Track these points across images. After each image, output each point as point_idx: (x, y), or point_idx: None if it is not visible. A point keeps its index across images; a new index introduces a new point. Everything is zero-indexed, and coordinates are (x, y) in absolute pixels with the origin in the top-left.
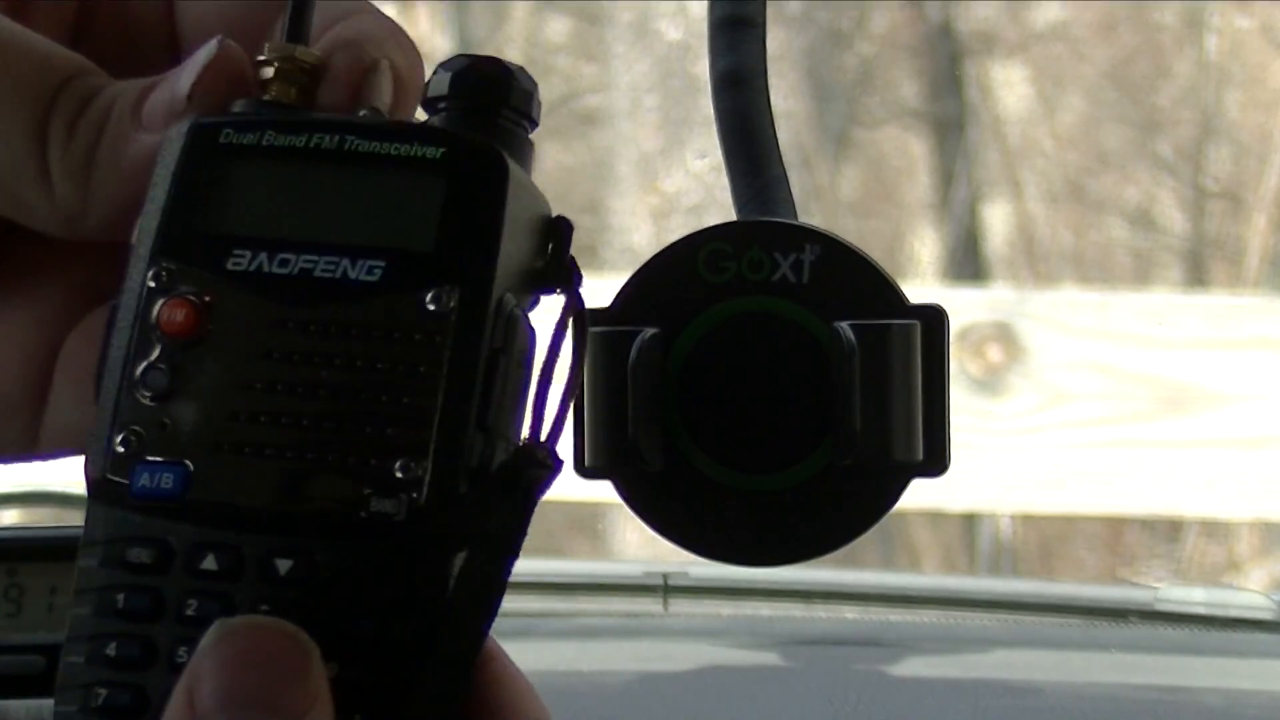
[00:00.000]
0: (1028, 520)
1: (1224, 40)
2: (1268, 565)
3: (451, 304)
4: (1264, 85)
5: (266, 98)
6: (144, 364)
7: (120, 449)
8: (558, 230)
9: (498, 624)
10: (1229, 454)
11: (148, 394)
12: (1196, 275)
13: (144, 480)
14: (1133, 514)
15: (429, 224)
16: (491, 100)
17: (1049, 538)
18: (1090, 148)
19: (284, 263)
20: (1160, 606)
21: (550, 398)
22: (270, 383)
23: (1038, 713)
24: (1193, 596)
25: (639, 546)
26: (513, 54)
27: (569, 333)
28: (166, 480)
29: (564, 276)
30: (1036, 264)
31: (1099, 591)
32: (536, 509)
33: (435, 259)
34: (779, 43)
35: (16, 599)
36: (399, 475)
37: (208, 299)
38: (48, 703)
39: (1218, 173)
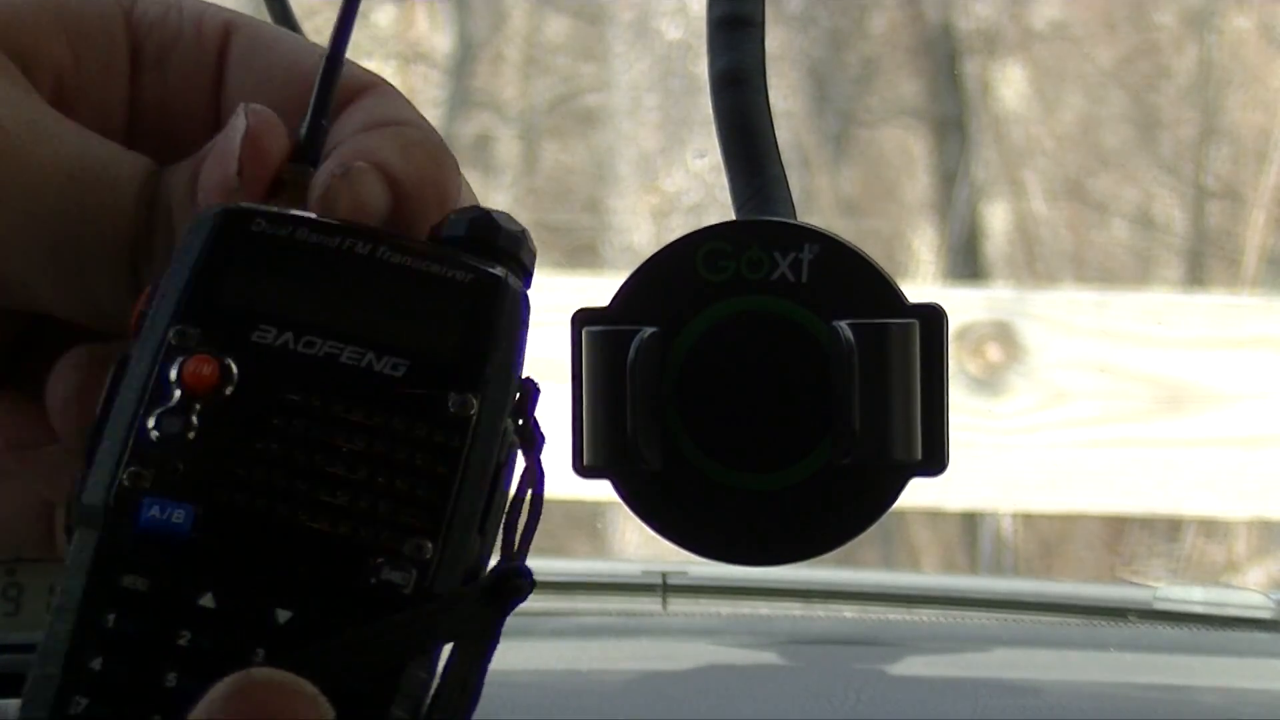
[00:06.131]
0: (1027, 519)
1: (1224, 40)
2: (1266, 564)
3: (472, 411)
4: (1264, 85)
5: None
6: (160, 410)
7: (127, 482)
8: (525, 391)
9: None
10: (1228, 453)
11: (159, 437)
12: (1196, 274)
13: (153, 512)
14: (1132, 513)
15: (453, 337)
16: (504, 252)
17: (1048, 537)
18: (1090, 147)
19: (309, 344)
20: (1159, 606)
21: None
22: (288, 446)
23: (1037, 712)
24: (1192, 596)
25: (638, 545)
26: (513, 54)
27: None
28: (177, 516)
29: (528, 437)
30: (1036, 263)
31: (1098, 590)
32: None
33: (458, 368)
34: (779, 42)
35: (15, 598)
36: (408, 554)
37: (231, 363)
38: None
39: (1218, 172)
